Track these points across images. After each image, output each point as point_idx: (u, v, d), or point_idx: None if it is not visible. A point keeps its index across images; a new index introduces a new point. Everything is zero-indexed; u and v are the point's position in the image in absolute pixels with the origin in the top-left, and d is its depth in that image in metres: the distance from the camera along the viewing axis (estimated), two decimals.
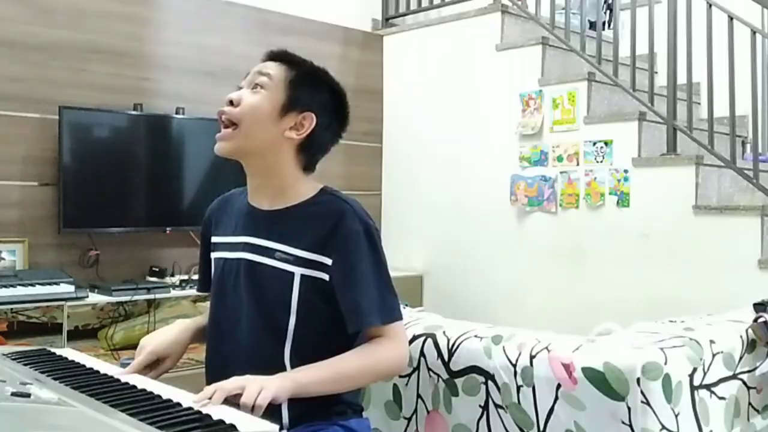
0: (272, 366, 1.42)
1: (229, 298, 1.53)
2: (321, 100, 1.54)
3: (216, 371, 1.47)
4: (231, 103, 1.51)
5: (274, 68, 1.53)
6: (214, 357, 1.57)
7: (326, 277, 1.45)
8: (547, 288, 3.86)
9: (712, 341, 1.56)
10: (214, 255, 1.62)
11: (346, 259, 1.44)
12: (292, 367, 1.43)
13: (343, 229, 1.44)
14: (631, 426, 1.40)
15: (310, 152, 1.55)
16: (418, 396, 1.79)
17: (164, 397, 1.17)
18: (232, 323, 1.52)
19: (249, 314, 1.49)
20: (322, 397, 1.41)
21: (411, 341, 1.80)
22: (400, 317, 1.48)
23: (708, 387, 1.52)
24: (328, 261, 1.44)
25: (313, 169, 1.59)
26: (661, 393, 1.40)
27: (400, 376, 1.82)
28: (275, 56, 1.57)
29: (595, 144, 3.70)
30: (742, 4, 3.52)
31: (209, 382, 1.36)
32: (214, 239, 1.64)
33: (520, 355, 1.58)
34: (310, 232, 1.46)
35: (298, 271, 1.45)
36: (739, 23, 3.40)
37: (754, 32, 3.39)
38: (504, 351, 1.62)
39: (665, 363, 1.41)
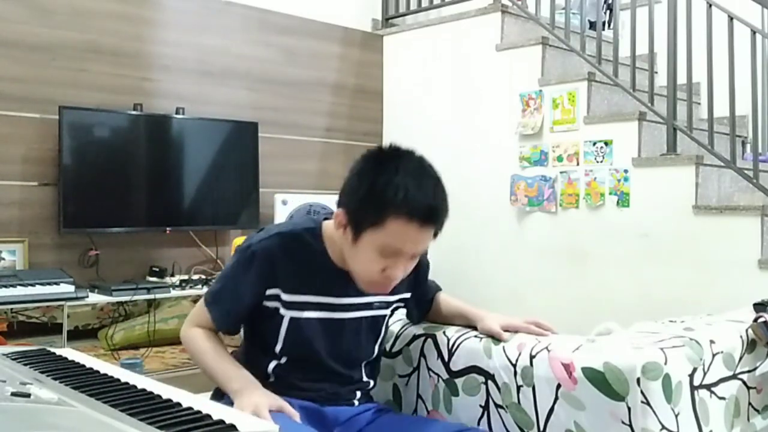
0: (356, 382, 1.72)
1: (328, 350, 1.62)
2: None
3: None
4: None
5: (430, 237, 1.56)
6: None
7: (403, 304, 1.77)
8: (547, 288, 3.86)
9: (712, 341, 1.56)
10: (284, 311, 1.58)
11: (420, 286, 1.81)
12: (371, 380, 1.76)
13: (421, 267, 1.73)
14: (631, 426, 1.40)
15: None
16: (418, 396, 1.79)
17: (164, 397, 1.17)
18: (330, 365, 1.64)
19: (348, 355, 1.66)
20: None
21: (411, 341, 1.80)
22: None
23: (708, 387, 1.52)
24: (408, 295, 1.75)
25: None
26: (661, 393, 1.40)
27: (400, 376, 1.82)
28: (435, 221, 1.53)
29: (595, 144, 3.70)
30: (742, 4, 3.52)
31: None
32: (285, 296, 1.58)
33: (520, 355, 1.58)
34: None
35: (386, 312, 1.72)
36: (739, 23, 3.40)
37: (754, 32, 3.40)
38: (504, 351, 1.62)
39: (665, 363, 1.41)
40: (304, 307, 1.58)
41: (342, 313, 1.61)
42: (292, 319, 1.58)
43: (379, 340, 1.73)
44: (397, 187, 1.44)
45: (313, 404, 1.60)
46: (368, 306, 1.65)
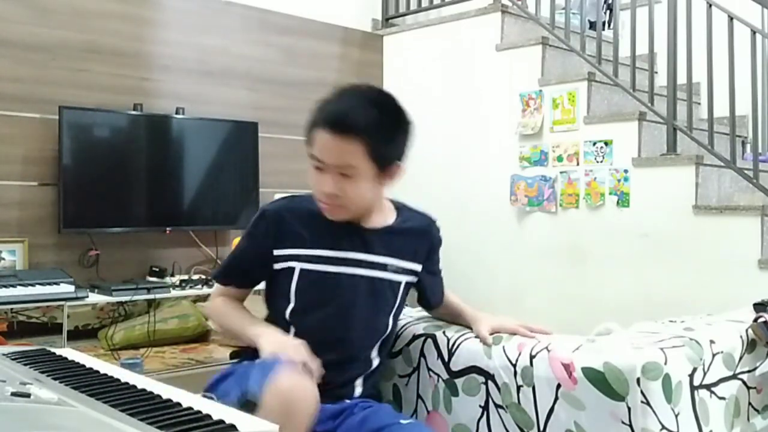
0: (364, 361, 1.70)
1: (344, 308, 1.65)
2: (399, 142, 1.65)
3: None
4: (332, 194, 1.59)
5: (351, 150, 1.55)
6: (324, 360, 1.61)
7: (415, 279, 1.76)
8: (547, 288, 3.86)
9: (712, 341, 1.56)
10: (295, 264, 1.65)
11: (431, 260, 1.81)
12: (379, 361, 1.73)
13: (436, 240, 1.84)
14: (631, 426, 1.41)
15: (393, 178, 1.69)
16: (418, 396, 1.79)
17: (164, 397, 1.17)
18: (343, 331, 1.65)
19: (362, 322, 1.66)
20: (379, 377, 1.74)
21: (411, 341, 1.81)
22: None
23: (708, 387, 1.52)
24: (419, 267, 1.76)
25: None
26: (661, 393, 1.40)
27: (400, 376, 1.82)
28: (341, 129, 1.55)
29: (595, 144, 3.70)
30: (742, 4, 3.52)
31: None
32: (294, 251, 1.66)
33: (520, 355, 1.58)
34: (410, 245, 1.74)
35: (403, 279, 1.73)
36: (739, 23, 3.40)
37: (754, 32, 3.39)
38: (504, 351, 1.62)
39: (665, 363, 1.41)
40: (313, 260, 1.65)
41: (349, 268, 1.66)
42: (302, 271, 1.65)
43: (392, 312, 1.72)
44: (324, 105, 1.61)
45: None
46: (377, 266, 1.68)
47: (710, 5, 3.44)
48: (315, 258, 1.65)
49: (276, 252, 1.66)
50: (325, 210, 1.63)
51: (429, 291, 1.83)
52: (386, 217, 1.74)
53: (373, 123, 1.56)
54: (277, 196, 4.36)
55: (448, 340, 1.73)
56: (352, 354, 1.68)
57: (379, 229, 1.71)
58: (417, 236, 1.78)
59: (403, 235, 1.74)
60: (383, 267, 1.69)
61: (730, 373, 1.60)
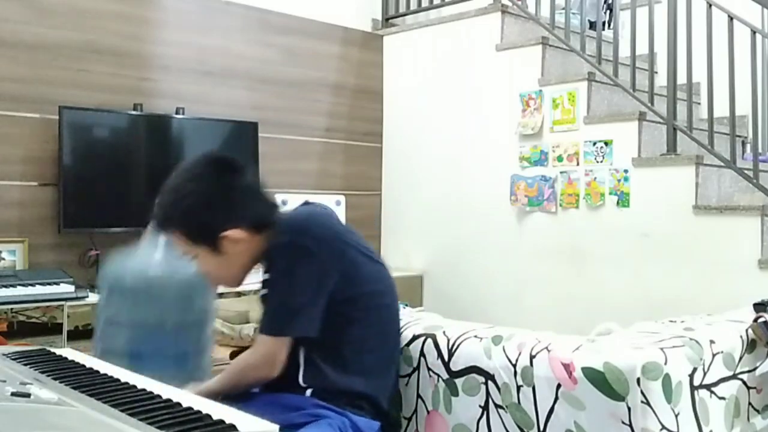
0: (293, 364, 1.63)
1: None
2: (207, 217, 1.62)
3: None
4: None
5: (176, 242, 1.64)
6: None
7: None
8: (547, 288, 3.86)
9: (712, 341, 1.56)
10: None
11: (269, 271, 1.63)
12: (305, 361, 1.63)
13: (272, 246, 1.61)
14: (631, 426, 1.40)
15: (257, 228, 1.64)
16: (418, 396, 1.79)
17: (164, 397, 1.17)
18: None
19: None
20: (339, 392, 1.60)
21: (411, 341, 1.80)
22: (270, 332, 1.61)
23: (708, 387, 1.52)
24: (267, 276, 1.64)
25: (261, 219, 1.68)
26: (661, 393, 1.40)
27: (400, 376, 1.82)
28: (160, 228, 1.68)
29: (595, 144, 3.70)
30: (742, 4, 3.52)
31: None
32: None
33: (520, 355, 1.58)
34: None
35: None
36: (739, 23, 3.40)
37: (754, 32, 3.39)
38: (504, 351, 1.62)
39: (665, 363, 1.41)
40: None
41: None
42: None
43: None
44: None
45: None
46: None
47: (710, 5, 3.44)
48: None
49: None
50: None
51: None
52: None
53: (178, 213, 1.62)
54: (277, 197, 4.36)
55: (448, 340, 1.73)
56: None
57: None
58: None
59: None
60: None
61: (730, 373, 1.60)
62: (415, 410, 1.80)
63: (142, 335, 1.78)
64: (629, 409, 1.40)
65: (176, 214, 1.62)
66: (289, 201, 4.00)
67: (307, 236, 1.59)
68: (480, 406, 1.65)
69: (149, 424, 1.01)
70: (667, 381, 1.41)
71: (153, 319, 1.80)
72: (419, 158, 4.50)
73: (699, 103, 4.26)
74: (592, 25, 4.27)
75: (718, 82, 3.42)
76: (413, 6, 4.73)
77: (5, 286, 2.95)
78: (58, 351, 1.52)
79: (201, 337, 1.87)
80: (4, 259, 3.27)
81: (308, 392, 1.61)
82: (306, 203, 1.75)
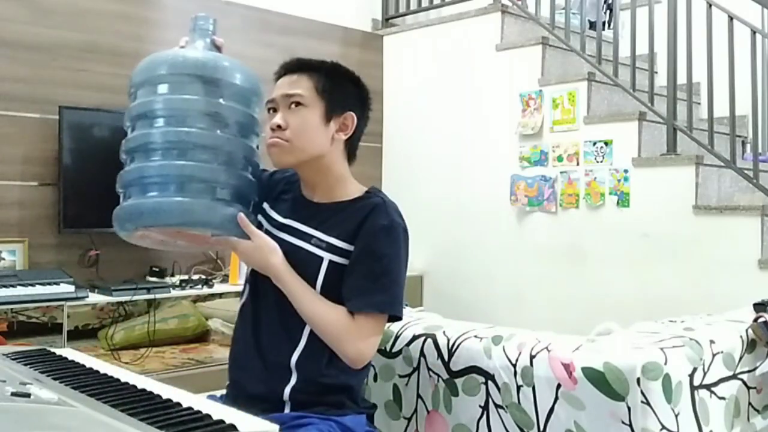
0: (291, 340, 1.56)
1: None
2: (351, 94, 1.66)
3: (243, 342, 1.63)
4: (279, 127, 1.58)
5: (301, 83, 1.62)
6: (247, 328, 1.64)
7: (347, 262, 1.57)
8: (547, 288, 3.86)
9: (712, 341, 1.56)
10: (263, 222, 1.69)
11: (362, 247, 1.55)
12: (306, 343, 1.56)
13: (369, 222, 1.57)
14: (631, 426, 1.40)
15: (353, 144, 1.70)
16: (418, 396, 1.79)
17: (164, 397, 1.17)
18: (266, 294, 1.62)
19: (278, 290, 1.58)
20: (323, 387, 1.55)
21: (411, 341, 1.80)
22: (380, 311, 1.55)
23: (708, 387, 1.52)
24: (352, 248, 1.57)
25: (355, 157, 1.73)
26: (661, 393, 1.40)
27: (400, 376, 1.82)
28: (293, 68, 1.67)
29: (595, 144, 3.70)
30: (742, 4, 3.52)
31: (236, 354, 1.65)
32: (268, 210, 1.71)
33: (520, 355, 1.58)
34: (346, 223, 1.59)
35: (327, 256, 1.57)
36: (739, 23, 3.41)
37: (754, 32, 3.40)
38: (504, 351, 1.62)
39: (665, 363, 1.41)
40: (272, 222, 1.69)
41: (280, 232, 1.64)
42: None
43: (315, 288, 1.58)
44: None
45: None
46: (302, 235, 1.61)
47: (710, 5, 3.45)
48: (272, 221, 1.68)
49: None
50: (269, 152, 1.60)
51: (344, 284, 1.56)
52: (343, 196, 1.64)
53: (323, 66, 1.67)
54: None
55: (448, 340, 1.73)
56: (273, 329, 1.59)
57: (325, 203, 1.64)
58: (355, 216, 1.58)
59: (344, 212, 1.60)
60: (308, 238, 1.60)
61: (730, 373, 1.60)
62: (415, 410, 1.80)
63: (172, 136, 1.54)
64: (629, 409, 1.40)
65: (329, 67, 1.67)
66: None
67: (404, 223, 1.63)
68: (480, 406, 1.66)
69: (149, 424, 1.01)
70: (667, 381, 1.41)
71: (187, 108, 1.57)
72: (419, 158, 4.50)
73: (699, 103, 4.26)
74: (592, 25, 4.27)
75: (718, 82, 3.43)
76: (413, 6, 4.73)
77: (5, 286, 2.95)
78: (58, 351, 1.52)
79: (238, 155, 1.59)
80: (4, 259, 3.27)
81: (287, 408, 1.54)
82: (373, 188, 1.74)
